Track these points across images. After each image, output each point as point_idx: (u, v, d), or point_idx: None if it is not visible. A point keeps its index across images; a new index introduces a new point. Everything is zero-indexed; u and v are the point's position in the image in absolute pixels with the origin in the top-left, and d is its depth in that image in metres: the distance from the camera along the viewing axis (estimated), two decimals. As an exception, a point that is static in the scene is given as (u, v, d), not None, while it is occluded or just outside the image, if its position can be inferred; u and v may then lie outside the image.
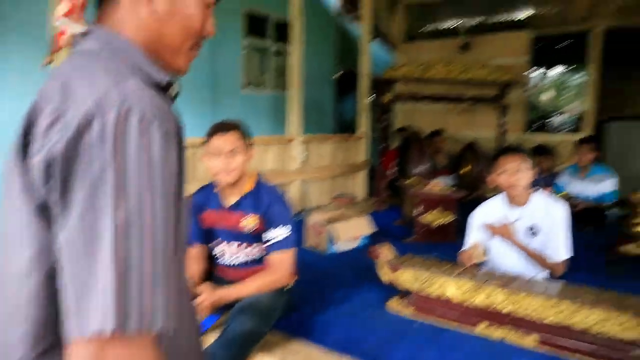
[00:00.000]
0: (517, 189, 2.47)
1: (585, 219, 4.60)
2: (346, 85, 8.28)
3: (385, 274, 2.55)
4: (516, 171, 2.45)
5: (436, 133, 6.07)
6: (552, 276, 2.47)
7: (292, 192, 5.39)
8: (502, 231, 2.50)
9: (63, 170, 0.57)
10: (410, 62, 5.53)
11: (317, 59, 7.47)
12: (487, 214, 2.66)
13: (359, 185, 6.57)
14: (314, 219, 4.06)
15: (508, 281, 2.23)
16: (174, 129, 0.65)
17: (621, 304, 1.96)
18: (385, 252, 2.62)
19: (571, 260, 2.47)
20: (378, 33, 8.39)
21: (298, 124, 5.32)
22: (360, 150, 6.47)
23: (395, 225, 5.01)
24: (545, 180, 5.23)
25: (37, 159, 0.60)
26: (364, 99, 6.31)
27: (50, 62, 0.79)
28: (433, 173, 5.92)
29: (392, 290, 2.59)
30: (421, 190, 4.34)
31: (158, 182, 0.59)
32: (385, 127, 5.61)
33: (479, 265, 2.54)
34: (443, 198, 4.31)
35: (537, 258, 2.46)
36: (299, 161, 5.41)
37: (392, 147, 7.09)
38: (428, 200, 4.29)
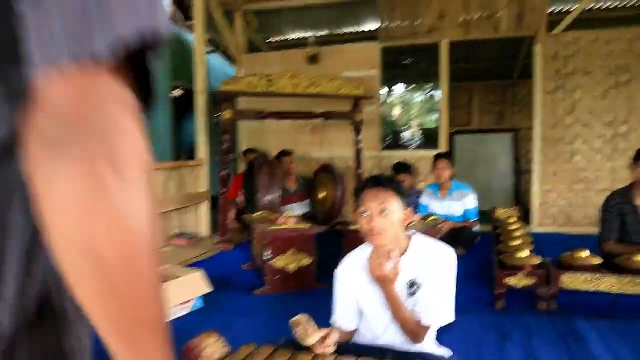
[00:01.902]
0: (381, 237, 1.72)
1: (454, 240, 4.27)
2: (188, 104, 7.12)
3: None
4: (380, 213, 1.71)
5: (284, 153, 5.32)
6: (412, 341, 1.75)
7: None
8: (383, 277, 1.71)
9: None
10: (254, 74, 4.70)
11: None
12: (353, 269, 1.88)
13: (201, 219, 5.53)
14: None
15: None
16: None
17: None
18: (209, 348, 1.68)
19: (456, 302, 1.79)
20: (218, 45, 7.51)
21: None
22: (200, 178, 5.45)
23: (244, 269, 4.10)
24: (409, 201, 4.84)
25: None
26: (202, 118, 5.33)
27: None
28: (285, 199, 5.15)
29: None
30: (269, 228, 3.47)
31: None
32: (227, 149, 4.68)
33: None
34: (297, 237, 3.50)
35: (407, 323, 1.73)
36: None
37: (239, 171, 6.23)
38: (278, 241, 3.45)
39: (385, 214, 1.71)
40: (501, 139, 7.72)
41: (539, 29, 5.04)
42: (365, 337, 1.90)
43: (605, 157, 5.06)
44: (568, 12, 5.32)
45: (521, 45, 6.81)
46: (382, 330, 1.82)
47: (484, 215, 4.78)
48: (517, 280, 2.88)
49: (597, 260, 2.87)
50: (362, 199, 1.77)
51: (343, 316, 1.88)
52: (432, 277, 1.74)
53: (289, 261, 3.45)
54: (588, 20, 5.64)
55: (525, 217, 4.78)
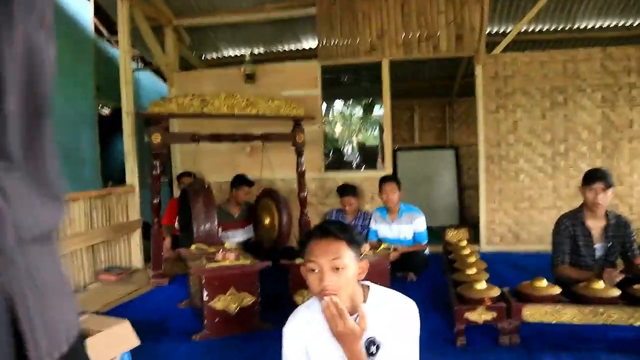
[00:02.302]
0: (341, 295, 1.45)
1: (405, 265, 4.15)
2: (118, 125, 6.54)
3: None
4: (333, 270, 1.44)
5: (245, 182, 4.91)
6: None
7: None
8: (349, 333, 1.40)
9: None
10: (186, 95, 4.32)
11: (69, 92, 5.71)
12: (304, 326, 1.59)
13: (133, 251, 5.03)
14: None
15: None
16: None
17: None
18: None
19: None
20: (149, 62, 7.05)
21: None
22: (130, 206, 4.97)
23: (181, 308, 3.70)
24: (361, 226, 4.68)
25: None
26: (130, 140, 4.87)
27: None
28: (227, 226, 4.78)
29: None
30: (207, 267, 3.11)
31: None
32: (157, 176, 4.25)
33: None
34: (238, 275, 3.16)
35: None
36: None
37: (175, 196, 5.78)
38: (217, 281, 3.09)
39: (340, 269, 1.44)
40: (443, 156, 7.74)
41: (478, 49, 5.04)
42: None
43: (547, 176, 5.11)
44: (505, 33, 5.37)
45: (459, 64, 6.88)
46: None
47: (432, 233, 4.66)
48: (477, 316, 2.70)
49: (557, 290, 2.74)
50: (309, 252, 1.48)
51: None
52: (394, 335, 1.48)
53: (230, 302, 3.10)
54: (528, 42, 5.76)
55: (473, 235, 4.68)
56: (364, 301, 1.53)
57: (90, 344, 2.52)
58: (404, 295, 1.58)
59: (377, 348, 1.50)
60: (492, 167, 5.17)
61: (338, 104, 10.20)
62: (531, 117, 5.08)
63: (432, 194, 7.36)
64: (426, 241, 4.46)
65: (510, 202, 5.18)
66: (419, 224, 4.42)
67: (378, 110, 12.23)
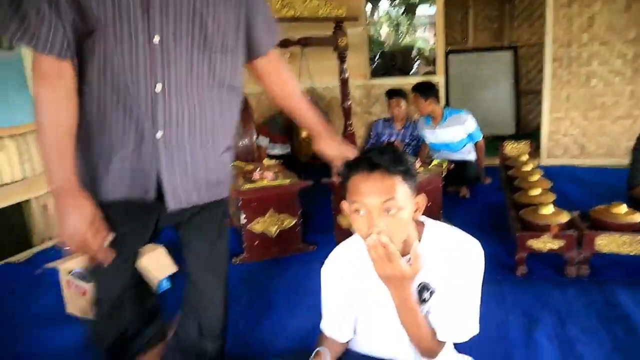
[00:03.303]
0: (394, 241, 1.15)
1: (458, 178, 3.92)
2: None
3: None
4: (385, 211, 1.14)
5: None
6: (424, 356, 1.28)
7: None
8: (399, 276, 1.15)
9: None
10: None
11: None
12: (346, 264, 1.37)
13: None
14: (65, 267, 2.42)
15: None
16: None
17: None
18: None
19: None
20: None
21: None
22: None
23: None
24: (411, 135, 4.55)
25: None
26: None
27: None
28: (268, 140, 4.57)
29: None
30: (243, 188, 2.90)
31: None
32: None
33: None
34: (276, 195, 2.95)
35: (422, 335, 1.23)
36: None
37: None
38: (255, 202, 2.90)
39: (393, 212, 1.14)
40: (500, 58, 6.99)
41: None
42: (364, 347, 1.42)
43: (626, 80, 4.45)
44: None
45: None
46: (386, 342, 1.35)
47: (487, 144, 4.27)
48: (542, 244, 2.40)
49: (638, 218, 2.39)
50: (354, 188, 1.17)
51: (335, 324, 1.39)
52: (451, 281, 1.23)
53: (269, 224, 2.94)
54: None
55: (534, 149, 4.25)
56: (418, 240, 1.26)
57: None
58: (467, 235, 1.29)
59: (431, 294, 1.25)
60: (560, 71, 4.55)
61: (384, 3, 9.30)
62: (612, 10, 4.32)
63: (487, 100, 6.75)
64: (481, 137, 4.15)
65: (578, 110, 4.61)
66: (469, 123, 4.07)
67: (427, 9, 11.22)
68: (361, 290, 1.34)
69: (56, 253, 3.18)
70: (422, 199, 1.23)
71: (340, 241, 1.44)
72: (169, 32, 1.10)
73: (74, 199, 1.11)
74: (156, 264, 2.60)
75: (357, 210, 1.17)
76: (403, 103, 4.52)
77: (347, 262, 1.37)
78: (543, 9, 4.59)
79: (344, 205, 1.24)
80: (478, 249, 1.26)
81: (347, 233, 2.81)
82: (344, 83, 4.44)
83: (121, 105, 1.14)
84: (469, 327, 1.24)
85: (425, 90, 4.10)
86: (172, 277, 2.60)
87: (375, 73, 5.42)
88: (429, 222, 1.31)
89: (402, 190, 1.15)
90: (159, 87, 1.13)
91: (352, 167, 1.19)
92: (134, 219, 1.31)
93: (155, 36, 1.09)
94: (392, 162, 1.15)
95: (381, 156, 1.15)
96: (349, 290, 1.36)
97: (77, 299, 2.36)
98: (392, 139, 4.57)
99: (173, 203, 1.25)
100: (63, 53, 1.06)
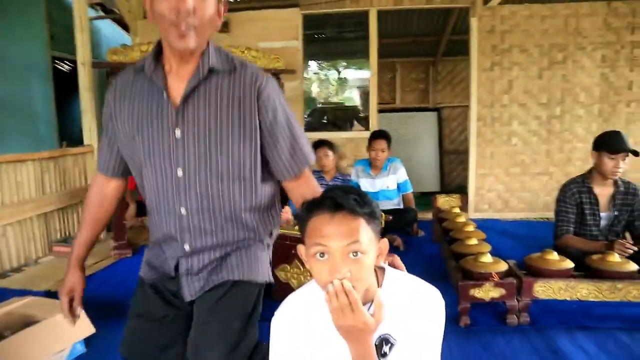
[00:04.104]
0: (358, 289, 1.07)
1: (397, 225, 3.97)
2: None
3: None
4: (348, 255, 1.05)
5: None
6: None
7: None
8: (360, 328, 1.03)
9: None
10: (150, 42, 3.80)
11: (19, 39, 5.07)
12: (299, 317, 1.22)
13: (94, 218, 4.56)
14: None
15: None
16: None
17: None
18: None
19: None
20: (110, 10, 6.38)
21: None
22: (90, 169, 4.48)
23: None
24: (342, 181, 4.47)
25: None
26: (87, 95, 4.33)
27: None
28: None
29: None
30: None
31: None
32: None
33: None
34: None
35: None
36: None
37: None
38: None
39: (357, 257, 1.04)
40: (425, 118, 7.39)
41: (475, 0, 4.62)
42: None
43: (542, 140, 4.83)
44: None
45: (449, 18, 6.46)
46: None
47: (415, 199, 4.38)
48: (484, 293, 2.41)
49: (570, 264, 2.48)
50: (315, 231, 1.06)
51: None
52: (413, 333, 1.13)
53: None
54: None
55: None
56: (379, 287, 1.17)
57: (34, 334, 2.12)
58: (427, 283, 1.21)
59: (391, 347, 1.15)
60: (484, 130, 4.86)
61: (314, 63, 9.65)
62: (527, 76, 4.74)
63: (413, 158, 7.03)
64: (411, 190, 4.30)
65: (501, 167, 4.90)
66: (401, 173, 4.25)
67: (355, 72, 11.81)
68: (315, 345, 1.20)
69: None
70: (384, 244, 1.15)
71: (279, 297, 1.31)
72: (190, 166, 1.29)
73: (69, 267, 1.47)
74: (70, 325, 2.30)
75: (317, 253, 1.07)
76: (330, 152, 4.46)
77: (300, 312, 1.23)
78: (468, 72, 4.93)
79: (300, 249, 1.14)
80: (440, 299, 1.18)
81: (287, 288, 2.68)
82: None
83: (155, 213, 1.39)
84: None
85: (389, 137, 4.19)
86: (87, 341, 2.31)
87: (309, 128, 5.47)
88: (389, 269, 1.23)
89: (366, 233, 1.06)
90: (183, 210, 1.32)
91: (313, 207, 1.09)
92: (160, 302, 1.44)
93: (179, 169, 1.29)
94: (357, 203, 1.06)
95: (345, 196, 1.06)
96: (302, 345, 1.22)
97: None
98: None
99: (189, 294, 1.39)
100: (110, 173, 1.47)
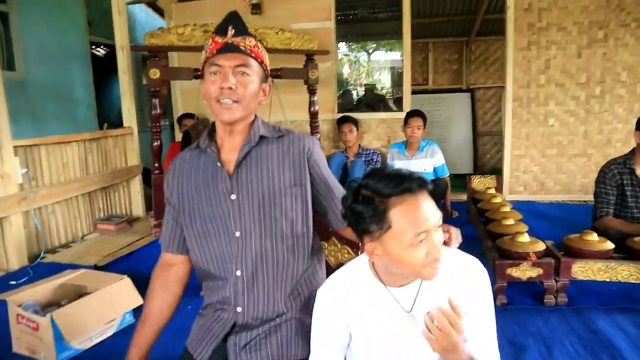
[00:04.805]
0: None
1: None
2: (114, 68, 5.97)
3: None
4: (438, 228, 1.09)
5: None
6: None
7: (14, 233, 3.34)
8: (452, 346, 1.08)
9: None
10: (187, 25, 3.86)
11: (58, 24, 5.22)
12: (347, 294, 1.22)
13: (134, 198, 4.73)
14: (16, 299, 2.21)
15: None
16: None
17: None
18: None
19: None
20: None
21: (4, 124, 3.26)
22: (129, 150, 4.62)
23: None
24: (366, 162, 4.59)
25: None
26: (126, 78, 4.45)
27: None
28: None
29: None
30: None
31: None
32: (157, 116, 3.85)
33: None
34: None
35: None
36: (17, 181, 3.38)
37: (176, 140, 5.42)
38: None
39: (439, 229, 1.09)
40: (458, 100, 7.30)
41: (513, -24, 4.51)
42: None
43: (579, 121, 4.71)
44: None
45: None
46: None
47: (451, 181, 4.39)
48: (521, 272, 2.41)
49: (610, 245, 2.45)
50: (405, 215, 1.04)
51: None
52: (469, 305, 1.14)
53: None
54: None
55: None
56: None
57: (88, 303, 2.24)
58: (469, 255, 1.20)
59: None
60: (520, 111, 4.76)
61: (343, 45, 9.57)
62: (566, 56, 4.61)
63: (446, 140, 6.97)
64: (448, 174, 4.35)
65: (537, 148, 4.82)
66: (439, 157, 4.28)
67: (384, 55, 11.65)
68: (361, 323, 1.20)
69: (4, 283, 2.93)
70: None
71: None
72: (246, 227, 1.34)
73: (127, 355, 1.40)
74: (120, 295, 2.42)
75: (420, 232, 1.04)
76: (354, 129, 4.61)
77: (346, 290, 1.22)
78: (503, 51, 4.83)
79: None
80: (484, 270, 1.19)
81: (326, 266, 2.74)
82: (314, 116, 4.47)
83: (211, 279, 1.41)
84: (496, 354, 1.16)
85: (424, 116, 4.22)
86: (136, 311, 2.42)
87: (341, 109, 5.47)
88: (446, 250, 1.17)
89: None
90: (238, 273, 1.35)
91: (387, 194, 1.05)
92: None
93: (237, 232, 1.34)
94: (423, 182, 1.08)
95: (411, 178, 1.06)
96: (347, 322, 1.21)
97: (27, 335, 2.15)
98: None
99: None
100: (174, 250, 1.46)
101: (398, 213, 1.03)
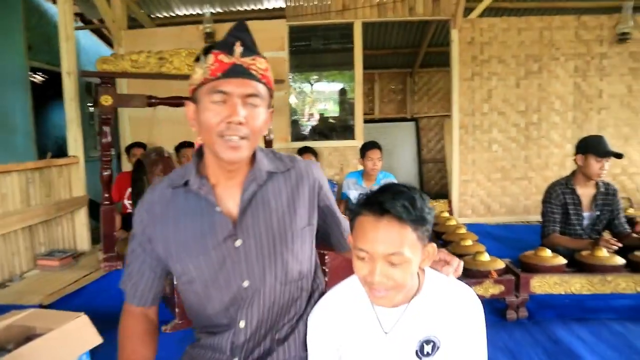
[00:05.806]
0: (386, 299, 1.11)
1: None
2: (54, 91, 5.75)
3: None
4: (390, 263, 1.06)
5: (185, 144, 4.53)
6: None
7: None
8: None
9: None
10: (141, 51, 3.78)
11: (-6, 50, 4.97)
12: (338, 317, 1.21)
13: (79, 231, 4.48)
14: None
15: None
16: None
17: None
18: None
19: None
20: (89, 20, 6.33)
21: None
22: (74, 180, 4.40)
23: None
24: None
25: None
26: (72, 105, 4.28)
27: None
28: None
29: None
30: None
31: None
32: (108, 144, 3.72)
33: None
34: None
35: None
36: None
37: (123, 170, 5.24)
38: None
39: (397, 265, 1.04)
40: (403, 129, 7.58)
41: (456, 13, 4.82)
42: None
43: (520, 146, 5.04)
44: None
45: (427, 31, 6.67)
46: None
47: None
48: (484, 290, 2.51)
49: (562, 260, 2.61)
50: (361, 233, 1.07)
51: None
52: (458, 334, 1.13)
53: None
54: (499, 10, 5.62)
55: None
56: (418, 289, 1.16)
57: (42, 345, 2.08)
58: (464, 284, 1.20)
59: (436, 349, 1.14)
60: (466, 137, 5.03)
61: (302, 72, 9.72)
62: (506, 86, 4.97)
63: (393, 168, 7.15)
64: None
65: (483, 173, 5.08)
66: None
67: (327, 86, 11.93)
68: (354, 343, 1.19)
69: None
70: (432, 249, 1.12)
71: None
72: (255, 275, 1.17)
73: None
74: (76, 335, 2.26)
75: (360, 252, 1.08)
76: (313, 159, 4.67)
77: (339, 310, 1.21)
78: (444, 82, 5.13)
79: (350, 239, 1.15)
80: (476, 298, 1.18)
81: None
82: (268, 144, 4.48)
83: (206, 332, 1.26)
84: None
85: (380, 147, 4.20)
86: (93, 353, 2.27)
87: (294, 137, 5.52)
88: (429, 270, 1.20)
89: (411, 242, 1.04)
90: (242, 324, 1.19)
91: (362, 207, 1.09)
92: None
93: (245, 282, 1.17)
94: (404, 210, 1.03)
95: (393, 201, 1.03)
96: (340, 343, 1.21)
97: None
98: None
99: None
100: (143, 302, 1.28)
101: (357, 224, 1.10)
